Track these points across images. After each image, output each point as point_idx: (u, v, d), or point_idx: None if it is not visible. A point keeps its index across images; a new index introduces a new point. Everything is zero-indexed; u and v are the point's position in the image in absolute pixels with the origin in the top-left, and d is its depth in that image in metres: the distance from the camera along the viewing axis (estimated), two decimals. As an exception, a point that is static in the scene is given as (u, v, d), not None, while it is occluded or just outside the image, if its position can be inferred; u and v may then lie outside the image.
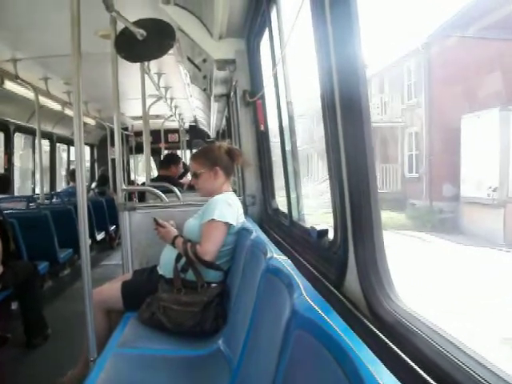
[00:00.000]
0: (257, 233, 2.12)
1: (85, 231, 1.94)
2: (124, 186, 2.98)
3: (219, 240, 2.21)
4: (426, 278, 4.78)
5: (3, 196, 4.59)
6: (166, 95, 5.83)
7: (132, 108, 6.65)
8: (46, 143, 6.87)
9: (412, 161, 8.86)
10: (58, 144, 7.35)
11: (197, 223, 2.30)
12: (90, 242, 2.42)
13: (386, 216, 6.63)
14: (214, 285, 2.20)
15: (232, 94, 3.86)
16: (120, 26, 2.49)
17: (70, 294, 4.29)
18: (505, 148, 4.61)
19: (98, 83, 4.20)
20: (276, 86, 2.36)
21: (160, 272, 2.36)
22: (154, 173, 6.16)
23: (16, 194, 5.66)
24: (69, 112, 6.05)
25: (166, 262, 2.33)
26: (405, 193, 8.63)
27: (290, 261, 1.55)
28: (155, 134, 7.37)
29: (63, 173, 8.60)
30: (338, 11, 1.17)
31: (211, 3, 2.36)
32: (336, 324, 0.94)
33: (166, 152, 7.95)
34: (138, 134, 8.42)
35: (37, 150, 5.70)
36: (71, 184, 6.90)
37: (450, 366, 0.83)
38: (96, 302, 2.10)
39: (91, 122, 7.46)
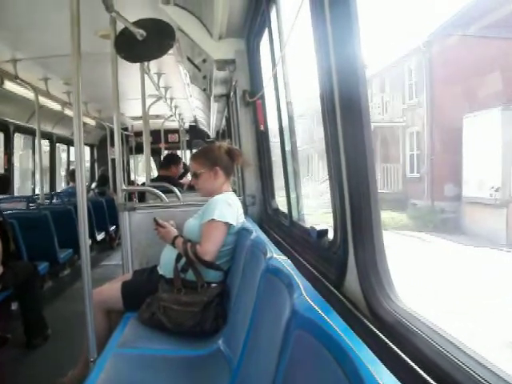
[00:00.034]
0: (257, 233, 2.12)
1: (85, 231, 1.94)
2: (124, 186, 2.98)
3: (219, 240, 2.21)
4: (427, 279, 4.78)
5: (3, 196, 4.59)
6: (166, 95, 5.83)
7: (132, 108, 6.65)
8: (45, 143, 6.87)
9: (413, 161, 8.86)
10: (57, 144, 7.36)
11: (197, 223, 2.30)
12: (90, 242, 2.43)
13: (388, 216, 6.63)
14: (214, 285, 2.20)
15: (232, 94, 3.86)
16: (120, 26, 2.49)
17: (70, 295, 4.29)
18: (507, 147, 4.60)
19: (98, 83, 4.20)
20: (276, 86, 2.36)
21: (160, 272, 2.36)
22: (154, 173, 6.16)
23: (16, 194, 5.66)
24: (69, 112, 6.05)
25: (166, 262, 2.33)
26: (406, 193, 8.62)
27: (289, 261, 1.55)
28: (155, 134, 7.37)
29: (63, 173, 8.60)
30: (338, 11, 1.17)
31: (211, 3, 2.36)
32: (336, 324, 0.94)
33: (166, 152, 7.94)
34: (138, 134, 8.42)
35: (37, 150, 5.70)
36: (71, 184, 6.90)
37: (450, 366, 0.82)
38: (96, 302, 2.10)
39: (91, 122, 7.46)
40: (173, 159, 5.15)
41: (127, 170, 9.27)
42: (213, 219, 2.19)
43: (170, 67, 4.48)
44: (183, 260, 2.22)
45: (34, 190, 6.47)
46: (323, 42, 1.27)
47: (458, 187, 5.99)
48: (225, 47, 2.82)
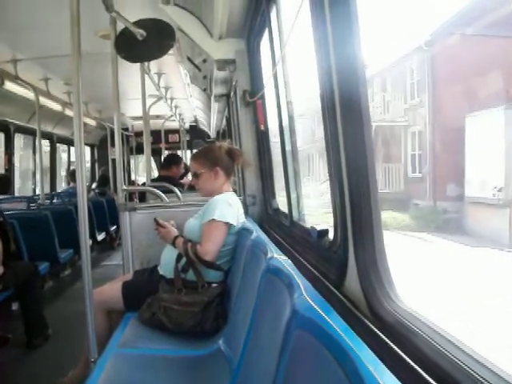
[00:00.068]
0: (257, 233, 2.12)
1: (85, 231, 1.94)
2: (124, 187, 2.98)
3: (219, 240, 2.21)
4: (427, 279, 4.77)
5: (4, 197, 4.59)
6: (166, 95, 5.83)
7: (132, 108, 6.65)
8: (46, 144, 6.87)
9: (415, 160, 8.83)
10: (58, 144, 7.36)
11: (197, 223, 2.30)
12: (90, 242, 2.43)
13: (389, 216, 6.62)
14: (214, 285, 2.20)
15: (232, 94, 3.86)
16: (120, 26, 2.49)
17: (71, 295, 4.29)
18: (510, 147, 4.58)
19: (99, 83, 4.20)
20: (276, 85, 2.36)
21: (160, 272, 2.36)
22: (155, 173, 6.16)
23: (16, 194, 5.66)
24: (69, 112, 6.06)
25: (167, 262, 2.33)
26: (408, 193, 8.59)
27: (290, 261, 1.55)
28: (155, 135, 7.38)
29: (63, 173, 8.61)
30: (338, 11, 1.17)
31: (211, 3, 2.36)
32: (336, 324, 0.94)
33: (166, 152, 7.95)
34: (139, 134, 8.40)
35: (37, 151, 5.71)
36: (71, 184, 6.90)
37: (451, 366, 0.82)
38: (96, 302, 2.10)
39: (91, 122, 7.47)
40: (174, 159, 5.15)
41: (128, 170, 9.28)
42: (213, 219, 2.19)
43: (171, 67, 4.48)
44: (184, 260, 2.22)
45: (34, 190, 6.48)
46: (323, 41, 1.27)
47: (460, 187, 5.97)
48: (225, 47, 2.82)
